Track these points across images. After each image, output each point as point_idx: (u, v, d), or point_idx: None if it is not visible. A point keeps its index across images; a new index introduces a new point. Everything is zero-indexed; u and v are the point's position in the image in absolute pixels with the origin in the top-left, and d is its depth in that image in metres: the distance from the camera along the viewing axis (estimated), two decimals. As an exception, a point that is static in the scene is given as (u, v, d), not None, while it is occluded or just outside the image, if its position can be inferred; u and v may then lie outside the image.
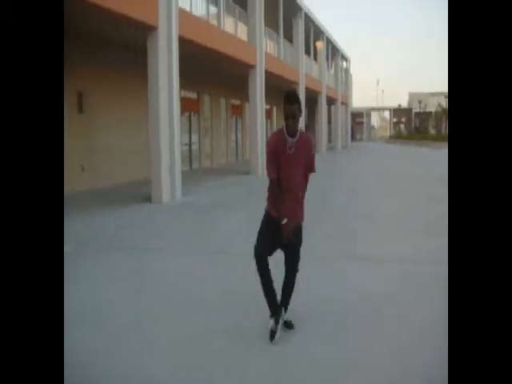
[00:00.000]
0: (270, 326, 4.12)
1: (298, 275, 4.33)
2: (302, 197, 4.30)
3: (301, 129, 4.14)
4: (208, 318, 4.64)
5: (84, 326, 4.47)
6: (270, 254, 4.20)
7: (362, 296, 5.23)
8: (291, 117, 3.94)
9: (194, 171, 20.89)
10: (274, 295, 4.22)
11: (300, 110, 3.97)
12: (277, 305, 4.20)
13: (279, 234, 4.10)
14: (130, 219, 10.16)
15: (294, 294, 4.34)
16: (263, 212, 4.30)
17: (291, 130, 3.99)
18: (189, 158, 21.61)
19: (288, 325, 4.30)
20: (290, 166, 4.08)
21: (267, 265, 4.16)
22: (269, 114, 30.74)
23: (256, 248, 4.17)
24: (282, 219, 4.09)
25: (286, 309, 4.28)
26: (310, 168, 4.21)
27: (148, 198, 12.41)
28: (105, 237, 8.43)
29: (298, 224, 4.23)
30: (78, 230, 8.59)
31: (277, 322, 4.09)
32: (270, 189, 4.22)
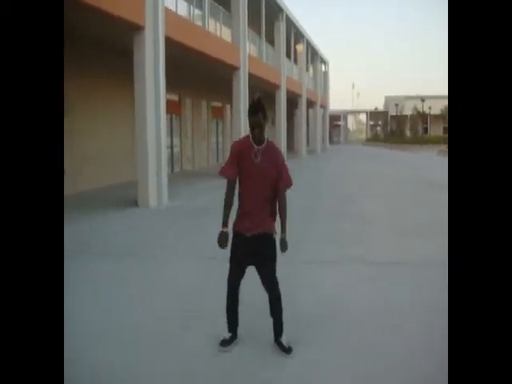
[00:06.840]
0: (225, 336, 4.11)
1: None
2: (273, 211, 4.05)
3: (267, 138, 4.00)
4: (214, 327, 4.41)
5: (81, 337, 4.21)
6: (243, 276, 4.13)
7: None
8: (257, 126, 3.84)
9: (175, 175, 20.52)
10: (237, 315, 4.18)
11: (265, 118, 3.87)
12: (236, 324, 4.17)
13: (248, 251, 4.01)
14: (118, 225, 9.82)
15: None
16: None
17: (257, 139, 3.89)
18: (170, 161, 21.23)
19: (286, 349, 4.00)
20: (256, 175, 3.89)
21: (239, 288, 4.13)
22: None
23: (230, 277, 4.14)
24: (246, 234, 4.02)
25: (280, 334, 4.08)
26: (282, 179, 3.93)
27: (134, 202, 12.07)
28: (94, 244, 8.08)
29: (267, 234, 3.99)
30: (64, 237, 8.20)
31: (233, 338, 4.12)
32: (228, 197, 4.04)
